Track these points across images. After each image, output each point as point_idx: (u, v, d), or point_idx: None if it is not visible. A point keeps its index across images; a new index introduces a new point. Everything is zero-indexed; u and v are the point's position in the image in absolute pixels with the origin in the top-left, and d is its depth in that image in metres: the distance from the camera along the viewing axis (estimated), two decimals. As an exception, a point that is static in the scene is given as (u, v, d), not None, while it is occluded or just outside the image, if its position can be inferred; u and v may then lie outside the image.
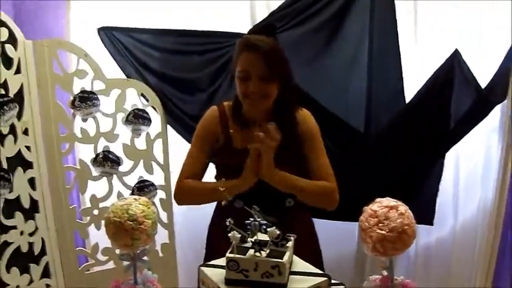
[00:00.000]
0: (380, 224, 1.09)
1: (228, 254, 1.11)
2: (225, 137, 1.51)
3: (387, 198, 1.16)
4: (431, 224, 2.21)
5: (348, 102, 2.15)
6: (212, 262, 1.23)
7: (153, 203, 2.10)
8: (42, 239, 1.89)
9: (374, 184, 2.06)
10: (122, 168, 2.06)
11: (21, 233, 1.77)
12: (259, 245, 1.10)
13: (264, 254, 1.09)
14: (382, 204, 1.13)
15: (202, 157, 1.53)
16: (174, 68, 2.10)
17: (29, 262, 1.82)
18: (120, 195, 2.06)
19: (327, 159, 1.54)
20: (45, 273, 1.91)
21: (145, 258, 1.29)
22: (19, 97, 1.77)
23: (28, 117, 1.81)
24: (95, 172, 2.01)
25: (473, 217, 2.31)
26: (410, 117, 2.08)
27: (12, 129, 1.73)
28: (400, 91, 2.12)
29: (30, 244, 1.82)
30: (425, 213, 2.19)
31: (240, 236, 1.08)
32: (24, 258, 1.80)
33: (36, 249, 1.85)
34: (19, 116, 1.76)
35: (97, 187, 2.06)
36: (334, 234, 2.21)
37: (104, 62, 1.99)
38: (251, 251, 1.10)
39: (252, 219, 1.08)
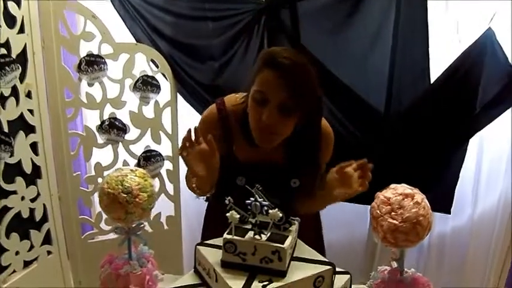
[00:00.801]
0: (393, 213, 1.00)
1: (225, 235, 1.03)
2: (227, 145, 1.30)
3: (403, 184, 1.06)
4: (449, 213, 2.11)
5: (369, 79, 2.02)
6: (210, 241, 1.16)
7: (160, 174, 2.08)
8: (44, 205, 1.85)
9: (391, 167, 1.96)
10: (128, 137, 2.00)
11: (22, 198, 1.72)
12: (259, 227, 1.02)
13: (264, 237, 1.01)
14: (396, 191, 1.03)
15: None
16: (187, 33, 1.99)
17: (30, 228, 1.79)
18: (125, 164, 2.00)
19: None
20: (47, 240, 1.88)
21: (140, 232, 1.22)
22: (22, 58, 1.69)
23: (32, 80, 1.73)
24: (100, 139, 1.95)
25: (493, 208, 2.20)
26: (435, 99, 1.97)
27: (15, 92, 1.66)
28: (426, 70, 1.98)
29: (31, 210, 1.78)
30: (443, 201, 2.10)
31: (238, 216, 1.00)
32: (24, 224, 1.76)
33: (38, 216, 1.81)
34: (22, 78, 1.69)
35: (102, 155, 2.00)
36: (346, 217, 2.13)
37: (113, 25, 1.89)
38: (250, 233, 1.03)
39: (252, 199, 1.00)
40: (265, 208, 0.99)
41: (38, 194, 1.81)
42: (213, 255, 1.08)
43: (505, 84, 1.90)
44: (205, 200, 1.39)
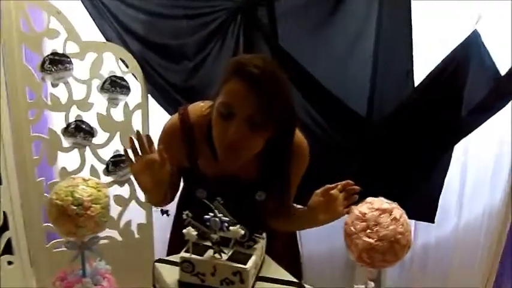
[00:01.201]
0: (368, 230, 0.91)
1: (182, 253, 0.93)
2: (189, 158, 1.19)
3: (381, 198, 0.97)
4: (433, 222, 2.03)
5: (349, 82, 1.93)
6: (171, 258, 1.06)
7: (130, 180, 1.97)
8: (5, 213, 1.73)
9: (373, 174, 1.90)
10: (96, 140, 1.88)
11: (-22, 205, 1.60)
12: (220, 245, 0.92)
13: (224, 256, 0.91)
14: (373, 206, 0.93)
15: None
16: (160, 32, 1.88)
17: (-13, 237, 1.67)
18: (93, 169, 1.89)
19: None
20: (8, 250, 1.76)
21: (94, 247, 1.12)
22: (-22, 55, 1.58)
23: (-11, 79, 1.62)
24: (65, 143, 1.83)
25: (478, 217, 2.13)
26: (418, 103, 1.87)
27: (-30, 91, 1.55)
28: (409, 72, 1.89)
29: (-11, 218, 1.66)
30: (426, 209, 2.02)
31: (195, 233, 0.90)
32: (-19, 233, 1.64)
33: (-4, 224, 1.69)
34: (-22, 76, 1.58)
35: (68, 159, 1.88)
36: (325, 229, 2.04)
37: (79, 22, 1.77)
38: (210, 252, 0.93)
39: (211, 214, 0.90)
40: (226, 224, 0.89)
41: (-3, 201, 1.69)
42: (171, 274, 0.99)
43: (492, 89, 1.82)
44: (162, 213, 1.28)
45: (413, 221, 2.13)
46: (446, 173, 1.97)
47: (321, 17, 1.89)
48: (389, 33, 1.85)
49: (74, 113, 1.82)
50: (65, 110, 1.81)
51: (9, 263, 1.77)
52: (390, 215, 0.91)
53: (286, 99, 1.05)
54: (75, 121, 1.82)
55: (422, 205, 2.00)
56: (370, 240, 0.89)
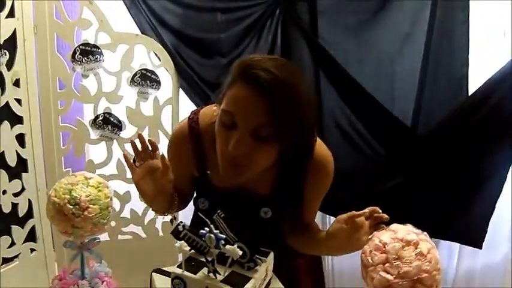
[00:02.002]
0: (387, 264, 0.76)
1: (174, 268, 0.84)
2: (199, 167, 1.07)
3: (408, 226, 0.82)
4: (480, 247, 1.83)
5: (395, 88, 1.79)
6: (168, 268, 0.97)
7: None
8: (30, 201, 1.73)
9: (417, 190, 1.74)
10: (123, 134, 1.84)
11: (4, 192, 1.60)
12: (214, 264, 0.82)
13: (219, 277, 0.81)
14: (396, 236, 0.79)
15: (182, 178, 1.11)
16: (194, 26, 1.82)
17: (12, 224, 1.67)
18: (119, 163, 1.85)
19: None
20: (31, 238, 1.76)
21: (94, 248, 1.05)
22: (11, 44, 1.57)
23: (21, 67, 1.61)
24: (93, 135, 1.81)
25: None
26: (472, 114, 1.70)
27: (0, 79, 1.54)
28: (463, 79, 1.72)
29: (14, 205, 1.66)
30: (474, 233, 1.83)
31: (189, 248, 0.81)
32: (6, 219, 1.64)
33: (21, 211, 1.69)
34: (10, 65, 1.57)
35: (95, 152, 1.86)
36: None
37: (113, 13, 1.74)
38: (205, 270, 0.83)
39: (207, 229, 0.79)
40: (222, 242, 0.79)
41: (23, 189, 1.69)
42: (165, 286, 0.90)
43: None
44: (170, 221, 1.19)
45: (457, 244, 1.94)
46: (499, 194, 1.76)
47: (366, 13, 1.75)
48: (443, 34, 1.67)
49: (103, 105, 1.79)
50: (94, 101, 1.78)
51: (32, 250, 1.77)
52: (416, 248, 0.76)
53: (302, 111, 0.87)
54: (104, 113, 1.79)
55: (470, 228, 1.82)
56: (388, 276, 0.75)
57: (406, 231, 0.80)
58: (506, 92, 1.63)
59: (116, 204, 1.87)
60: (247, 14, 1.77)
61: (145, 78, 1.79)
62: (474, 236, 1.82)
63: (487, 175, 1.75)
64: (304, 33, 1.74)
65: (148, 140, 0.98)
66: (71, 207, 0.94)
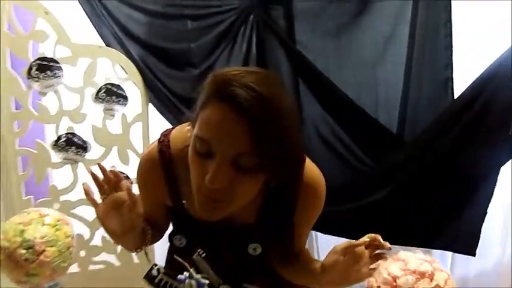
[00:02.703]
0: (401, 302, 0.65)
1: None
2: (173, 197, 0.93)
3: (416, 253, 0.71)
4: (474, 255, 1.75)
5: (378, 93, 1.70)
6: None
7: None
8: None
9: (406, 200, 1.66)
10: (89, 156, 1.70)
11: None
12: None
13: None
14: (407, 267, 0.68)
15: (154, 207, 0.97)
16: (162, 35, 1.70)
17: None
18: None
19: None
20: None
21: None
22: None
23: (-30, 87, 1.45)
24: (56, 158, 1.65)
25: None
26: (459, 118, 1.61)
27: None
28: (448, 81, 1.64)
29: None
30: (467, 240, 1.74)
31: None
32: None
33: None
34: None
35: (59, 176, 1.71)
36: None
37: (72, 23, 1.60)
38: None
39: (187, 274, 0.66)
40: (206, 288, 0.66)
41: (-23, 222, 1.52)
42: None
43: None
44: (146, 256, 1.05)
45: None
46: (490, 200, 1.69)
47: (346, 17, 1.67)
48: (426, 36, 1.60)
49: (65, 124, 1.66)
50: (54, 121, 1.64)
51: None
52: (431, 280, 0.65)
53: (290, 134, 0.74)
54: (66, 134, 1.65)
55: (463, 235, 1.74)
56: (404, 317, 0.64)
57: (417, 260, 0.69)
58: (493, 93, 1.57)
59: (86, 232, 1.72)
60: (219, 20, 1.66)
61: (111, 94, 1.67)
62: (466, 243, 1.74)
63: (477, 180, 1.68)
64: (280, 39, 1.64)
65: (110, 170, 0.83)
66: (24, 252, 0.80)
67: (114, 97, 1.66)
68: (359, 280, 0.78)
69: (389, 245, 0.79)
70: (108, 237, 1.80)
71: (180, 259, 0.69)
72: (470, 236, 1.75)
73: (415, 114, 1.67)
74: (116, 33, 1.69)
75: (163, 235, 1.06)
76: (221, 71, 0.75)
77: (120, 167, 1.73)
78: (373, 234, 0.80)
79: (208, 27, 1.67)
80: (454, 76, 1.63)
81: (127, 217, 0.81)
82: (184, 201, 0.90)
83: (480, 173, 1.68)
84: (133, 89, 1.71)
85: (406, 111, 1.67)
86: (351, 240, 0.80)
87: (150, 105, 1.75)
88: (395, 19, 1.62)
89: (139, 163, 0.96)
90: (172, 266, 0.71)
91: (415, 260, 0.70)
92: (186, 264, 0.67)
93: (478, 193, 1.70)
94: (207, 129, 0.72)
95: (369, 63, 1.67)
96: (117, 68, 1.68)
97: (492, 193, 1.69)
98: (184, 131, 0.87)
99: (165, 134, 0.92)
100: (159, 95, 1.72)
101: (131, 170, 1.75)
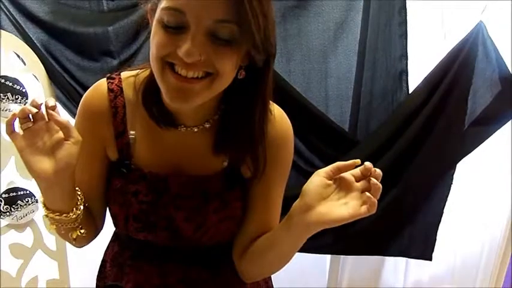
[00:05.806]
0: None
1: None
2: (118, 144, 0.82)
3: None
4: (430, 259, 1.69)
5: (328, 85, 1.53)
6: None
7: (34, 222, 1.47)
8: None
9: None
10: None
11: None
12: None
13: None
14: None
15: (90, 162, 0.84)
16: (71, 17, 1.41)
17: None
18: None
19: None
20: None
21: None
22: None
23: None
24: None
25: (476, 253, 1.81)
26: (414, 113, 1.52)
27: None
28: (402, 74, 1.52)
29: None
30: (423, 245, 1.66)
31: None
32: None
33: None
34: None
35: None
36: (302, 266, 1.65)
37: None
38: None
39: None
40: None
41: None
42: None
43: (499, 93, 1.50)
44: None
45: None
46: (446, 199, 1.62)
47: (292, 2, 1.46)
48: (379, 24, 1.46)
49: None
50: None
51: None
52: None
53: (268, 4, 0.68)
54: None
55: (418, 240, 1.67)
56: None
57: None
58: (449, 84, 1.48)
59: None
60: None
61: (5, 90, 1.35)
62: (422, 248, 1.67)
63: (432, 181, 1.60)
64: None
65: (46, 103, 0.66)
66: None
67: (9, 94, 1.35)
68: (344, 218, 0.69)
69: (380, 172, 0.70)
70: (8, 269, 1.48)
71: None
72: (425, 240, 1.68)
73: (368, 110, 1.52)
74: (10, 13, 1.38)
75: (96, 234, 0.91)
76: None
77: (21, 183, 1.43)
78: (369, 163, 0.71)
79: (129, 8, 1.40)
80: (408, 68, 1.51)
81: (67, 153, 0.68)
82: (132, 133, 0.80)
83: (434, 173, 1.59)
84: (34, 83, 1.41)
85: (359, 106, 1.52)
86: (339, 162, 0.73)
87: (59, 105, 1.45)
88: (347, 4, 1.46)
89: (80, 106, 0.83)
90: None
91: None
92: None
93: (433, 195, 1.62)
94: None
95: (318, 53, 1.50)
96: (13, 57, 1.36)
97: (447, 193, 1.62)
98: (133, 74, 0.82)
99: (112, 75, 0.83)
100: (68, 91, 1.43)
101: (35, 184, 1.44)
